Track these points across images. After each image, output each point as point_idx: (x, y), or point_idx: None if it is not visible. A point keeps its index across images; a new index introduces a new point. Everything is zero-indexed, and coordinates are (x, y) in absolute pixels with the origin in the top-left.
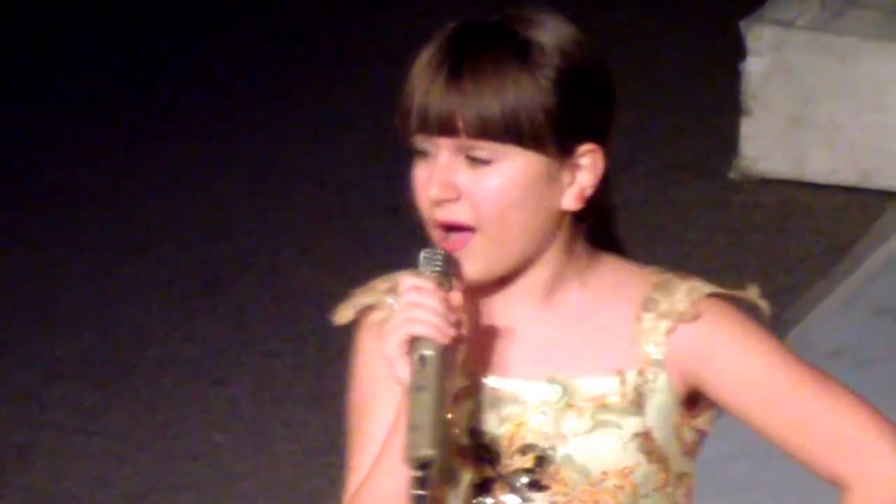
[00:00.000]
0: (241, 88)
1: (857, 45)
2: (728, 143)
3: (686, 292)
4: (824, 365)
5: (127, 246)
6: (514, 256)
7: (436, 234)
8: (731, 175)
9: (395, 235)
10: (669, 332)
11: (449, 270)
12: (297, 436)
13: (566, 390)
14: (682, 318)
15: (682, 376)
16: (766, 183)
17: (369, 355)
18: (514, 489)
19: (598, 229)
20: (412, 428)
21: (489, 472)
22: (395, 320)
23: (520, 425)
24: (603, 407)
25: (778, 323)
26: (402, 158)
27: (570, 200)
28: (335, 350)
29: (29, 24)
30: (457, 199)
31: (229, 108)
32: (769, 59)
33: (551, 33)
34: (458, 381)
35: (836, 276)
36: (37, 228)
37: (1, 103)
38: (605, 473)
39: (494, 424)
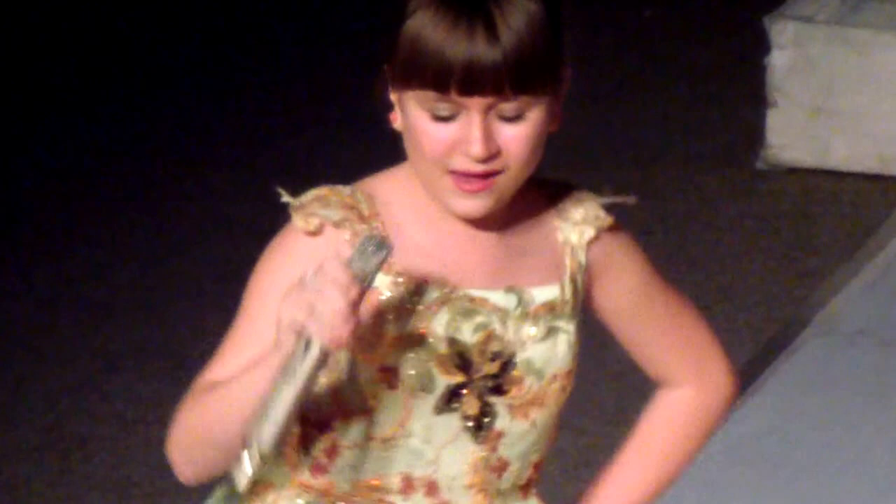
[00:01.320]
0: (286, 92)
1: (875, 38)
2: (754, 133)
3: (591, 203)
4: (850, 345)
5: (178, 244)
6: (515, 191)
7: (446, 181)
8: (758, 164)
9: None
10: (591, 240)
11: (378, 267)
12: None
13: (521, 299)
14: (601, 227)
15: (590, 280)
16: (791, 171)
17: (278, 261)
18: (479, 394)
19: None
20: (264, 413)
21: (462, 379)
22: (301, 299)
23: (488, 333)
24: (551, 313)
25: (804, 306)
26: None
27: (554, 124)
28: None
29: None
30: (497, 154)
31: (275, 111)
32: (792, 53)
33: None
34: (336, 374)
35: (859, 259)
36: (94, 229)
37: (55, 103)
38: (554, 376)
39: (468, 333)
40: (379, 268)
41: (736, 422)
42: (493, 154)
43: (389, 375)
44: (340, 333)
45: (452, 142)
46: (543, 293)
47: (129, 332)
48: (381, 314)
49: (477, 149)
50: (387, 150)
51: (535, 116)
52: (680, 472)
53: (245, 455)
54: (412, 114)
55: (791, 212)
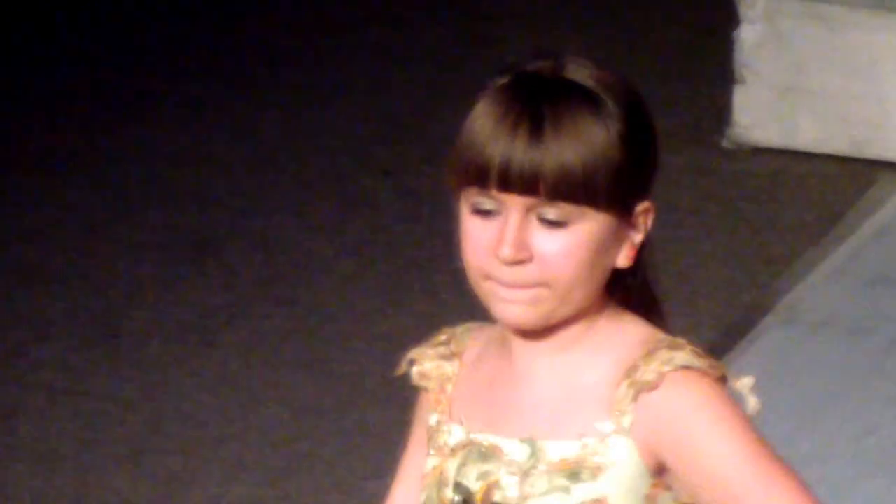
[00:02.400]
0: (233, 51)
1: (849, 15)
2: (721, 111)
3: (663, 361)
4: (813, 334)
5: (117, 208)
6: (572, 309)
7: (487, 286)
8: (724, 143)
9: (387, 197)
10: (634, 400)
11: None
12: (286, 399)
13: (534, 451)
14: (644, 387)
15: (648, 446)
16: (758, 151)
17: (418, 404)
18: None
19: (637, 286)
20: None
21: None
22: None
23: (493, 483)
24: (559, 470)
25: (768, 291)
26: (396, 120)
27: (624, 258)
28: (325, 313)
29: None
30: (530, 260)
31: (221, 71)
32: (762, 28)
33: (614, 86)
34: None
35: (826, 245)
36: (27, 189)
37: None
38: None
39: (472, 479)
40: None
41: (767, 424)
42: (523, 258)
43: None
44: None
45: (489, 241)
46: (559, 448)
47: (61, 299)
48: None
49: (506, 249)
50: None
51: (582, 229)
52: None
53: None
54: (462, 214)
55: (757, 193)
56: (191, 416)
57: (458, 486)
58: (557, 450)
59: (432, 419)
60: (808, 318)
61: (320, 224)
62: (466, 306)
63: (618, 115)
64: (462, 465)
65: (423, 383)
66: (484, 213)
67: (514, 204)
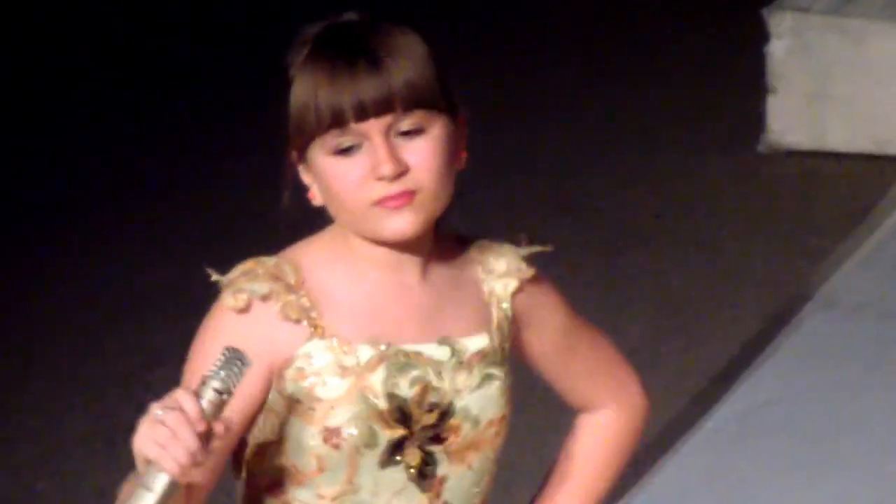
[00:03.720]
0: None
1: (868, 27)
2: (755, 119)
3: (512, 256)
4: (850, 318)
5: (217, 242)
6: (439, 211)
7: (370, 214)
8: (759, 148)
9: None
10: (515, 290)
11: (235, 383)
12: None
13: (454, 350)
14: (523, 279)
15: (517, 328)
16: (791, 154)
17: (211, 338)
18: (420, 445)
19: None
20: None
21: (402, 432)
22: (153, 432)
23: (425, 386)
24: (484, 361)
25: (806, 282)
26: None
27: (461, 162)
28: None
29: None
30: (406, 170)
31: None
32: (790, 42)
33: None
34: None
35: (856, 236)
36: (131, 227)
37: (108, 114)
38: (490, 422)
39: (405, 387)
40: (240, 380)
41: (744, 392)
42: (402, 170)
43: (333, 436)
44: (189, 468)
45: (363, 172)
46: (475, 342)
47: (171, 326)
48: (318, 376)
49: (386, 168)
50: None
51: (435, 133)
52: (612, 490)
53: None
54: (320, 164)
55: (791, 193)
56: None
57: (391, 396)
58: (473, 345)
59: (314, 349)
60: (843, 303)
61: None
62: None
63: (419, 37)
64: (388, 376)
65: (286, 315)
66: (345, 152)
67: (374, 129)
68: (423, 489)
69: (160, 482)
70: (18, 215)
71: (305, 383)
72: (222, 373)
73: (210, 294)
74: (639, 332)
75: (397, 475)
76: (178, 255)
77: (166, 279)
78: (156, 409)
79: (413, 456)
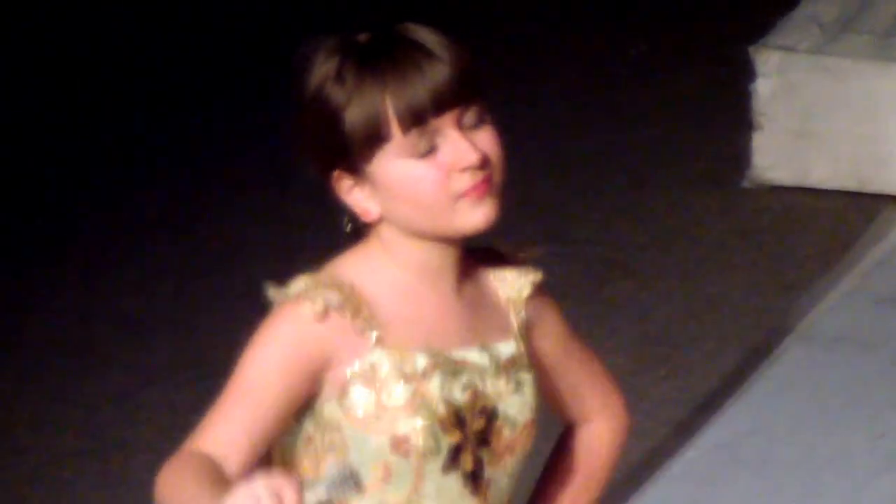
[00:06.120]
0: None
1: (852, 66)
2: (740, 155)
3: (531, 273)
4: (829, 351)
5: (209, 262)
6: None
7: (459, 207)
8: (744, 184)
9: None
10: (528, 298)
11: (340, 501)
12: None
13: (492, 356)
14: (535, 283)
15: (528, 333)
16: (775, 190)
17: (281, 343)
18: (472, 450)
19: None
20: None
21: (460, 437)
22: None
23: (474, 391)
24: (514, 366)
25: (787, 315)
26: None
27: None
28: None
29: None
30: (487, 159)
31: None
32: (775, 81)
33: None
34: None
35: (838, 270)
36: (126, 249)
37: (96, 136)
38: (525, 425)
39: (458, 393)
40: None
41: (724, 422)
42: (484, 158)
43: (401, 443)
44: None
45: (447, 167)
46: (506, 348)
47: (163, 346)
48: (383, 385)
49: (472, 156)
50: None
51: (490, 125)
52: (599, 499)
53: None
54: (397, 170)
55: (774, 227)
56: None
57: (448, 403)
58: (505, 350)
59: (378, 358)
60: (823, 336)
61: None
62: None
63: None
64: (443, 383)
65: (355, 327)
66: (425, 155)
67: (447, 123)
68: (476, 493)
69: None
70: (12, 230)
71: (371, 392)
72: (333, 487)
73: (202, 315)
74: (621, 361)
75: (454, 482)
76: (174, 275)
77: (160, 299)
78: (259, 485)
79: (467, 460)
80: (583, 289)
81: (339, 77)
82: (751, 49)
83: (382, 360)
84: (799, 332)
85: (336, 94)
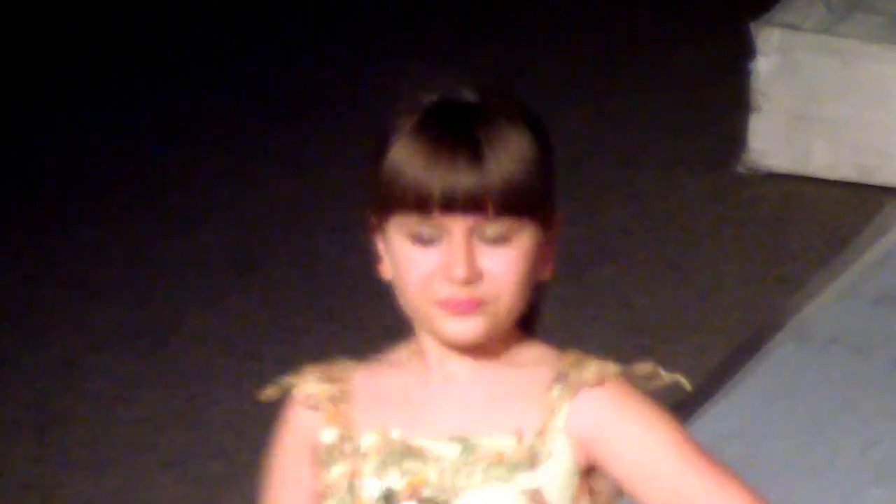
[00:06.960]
0: (274, 75)
1: (860, 48)
2: (736, 137)
3: (597, 367)
4: (822, 352)
5: (165, 227)
6: (507, 324)
7: (433, 312)
8: (739, 169)
9: None
10: (572, 398)
11: None
12: None
13: (466, 448)
14: (584, 386)
15: (581, 444)
16: (771, 177)
17: (289, 429)
18: None
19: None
20: None
21: None
22: None
23: (420, 480)
24: (497, 462)
25: (779, 311)
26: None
27: (547, 271)
28: (363, 327)
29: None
30: (480, 278)
31: (266, 98)
32: (777, 60)
33: (521, 105)
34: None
35: (835, 266)
36: (81, 209)
37: (45, 89)
38: None
39: (395, 478)
40: None
41: (706, 423)
42: (476, 277)
43: None
44: None
45: (436, 267)
46: (495, 443)
47: (112, 312)
48: (325, 463)
49: (459, 270)
50: None
51: (521, 243)
52: None
53: None
54: (395, 244)
55: (769, 217)
56: (233, 424)
57: (380, 485)
58: (493, 444)
59: (327, 435)
60: (817, 335)
61: (360, 241)
62: None
63: (533, 130)
64: (381, 465)
65: (311, 403)
66: (424, 242)
67: (458, 226)
68: None
69: None
70: None
71: (322, 470)
72: None
73: (154, 281)
74: (599, 351)
75: None
76: (129, 239)
77: (112, 263)
78: None
79: None
80: (562, 272)
81: (397, 128)
82: (752, 25)
83: (330, 438)
84: (791, 329)
85: (390, 140)
